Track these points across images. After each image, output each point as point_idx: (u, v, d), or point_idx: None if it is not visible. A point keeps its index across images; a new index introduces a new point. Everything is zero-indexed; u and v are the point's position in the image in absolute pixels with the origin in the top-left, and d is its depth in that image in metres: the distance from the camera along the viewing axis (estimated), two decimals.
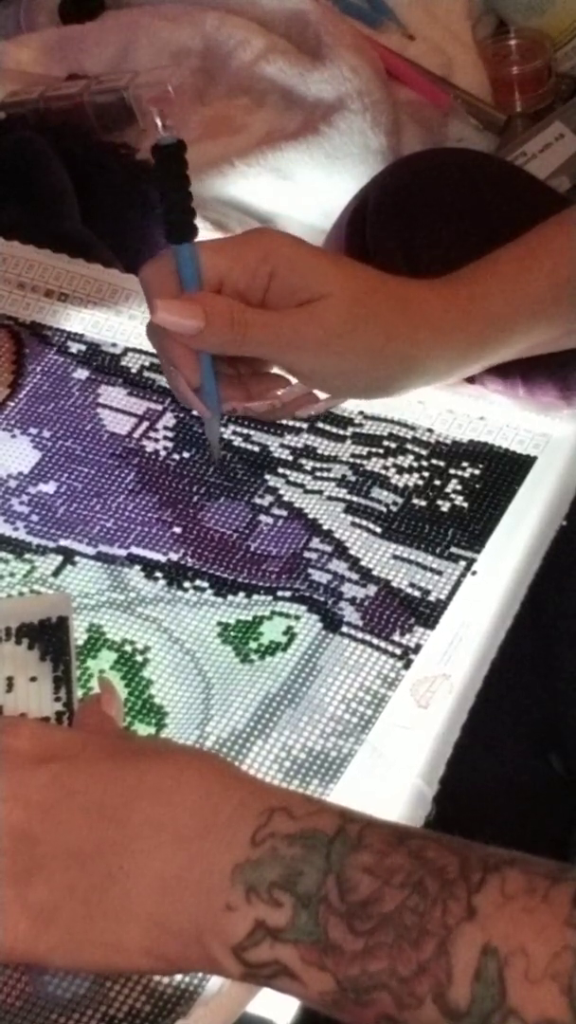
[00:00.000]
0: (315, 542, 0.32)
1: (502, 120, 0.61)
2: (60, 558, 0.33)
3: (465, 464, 0.34)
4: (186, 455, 0.35)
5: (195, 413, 0.35)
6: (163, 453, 0.35)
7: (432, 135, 0.58)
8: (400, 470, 0.34)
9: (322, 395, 0.33)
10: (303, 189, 0.53)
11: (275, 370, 0.32)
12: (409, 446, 0.34)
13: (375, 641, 0.30)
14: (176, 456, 0.35)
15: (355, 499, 0.33)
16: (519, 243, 0.32)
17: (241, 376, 0.32)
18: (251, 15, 0.58)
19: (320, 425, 0.35)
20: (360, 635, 0.30)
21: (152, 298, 0.29)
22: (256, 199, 0.53)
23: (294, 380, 0.32)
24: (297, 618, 0.31)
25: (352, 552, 0.32)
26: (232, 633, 0.31)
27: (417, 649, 0.30)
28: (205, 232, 0.34)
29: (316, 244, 0.33)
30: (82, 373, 0.37)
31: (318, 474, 0.34)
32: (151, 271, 0.30)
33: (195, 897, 0.22)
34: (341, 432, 0.35)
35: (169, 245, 0.29)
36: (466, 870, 0.21)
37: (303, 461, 0.34)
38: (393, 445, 0.34)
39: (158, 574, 0.32)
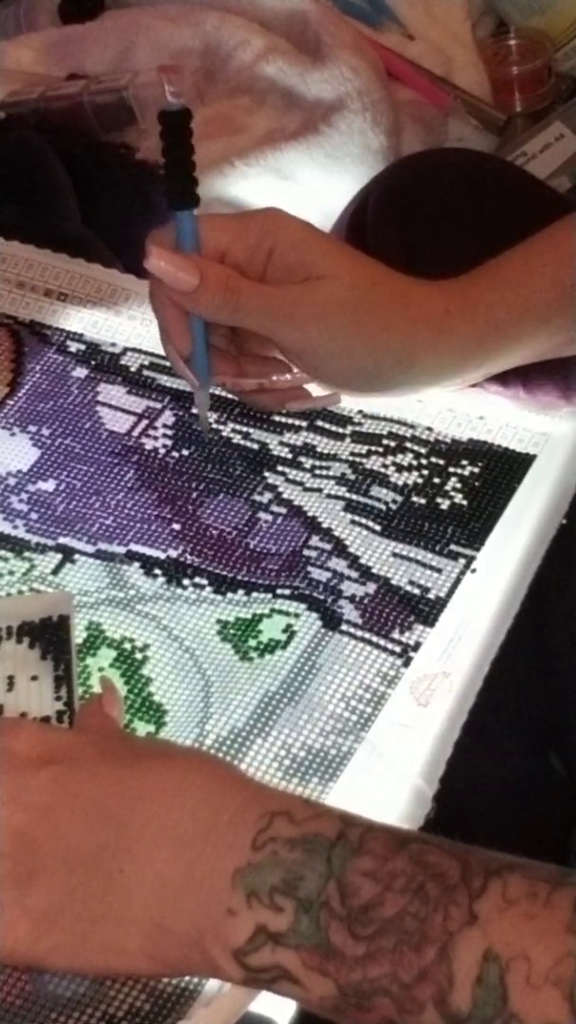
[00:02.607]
0: (314, 540, 0.32)
1: (502, 120, 0.60)
2: (59, 556, 0.33)
3: (464, 462, 0.34)
4: (185, 452, 0.35)
5: (193, 411, 0.35)
6: (162, 451, 0.35)
7: (432, 135, 0.58)
8: (399, 468, 0.34)
9: (315, 392, 0.32)
10: (303, 189, 0.53)
11: (277, 356, 0.32)
12: (408, 444, 0.34)
13: (375, 639, 0.30)
14: (175, 454, 0.35)
15: (354, 497, 0.33)
16: (522, 248, 0.32)
17: (238, 356, 0.32)
18: (251, 15, 0.58)
19: (319, 423, 0.35)
20: (360, 633, 0.30)
21: (150, 247, 0.29)
22: (256, 199, 0.53)
23: (293, 371, 0.32)
24: (296, 616, 0.31)
25: (351, 550, 0.32)
26: (231, 631, 0.31)
27: (417, 647, 0.30)
28: None
29: None
30: (81, 372, 0.37)
31: (317, 472, 0.34)
32: (154, 235, 0.30)
33: (196, 901, 0.22)
34: (340, 430, 0.35)
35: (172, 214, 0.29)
36: (467, 875, 0.21)
37: (302, 459, 0.34)
38: (392, 443, 0.34)
39: (157, 571, 0.32)
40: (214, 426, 0.35)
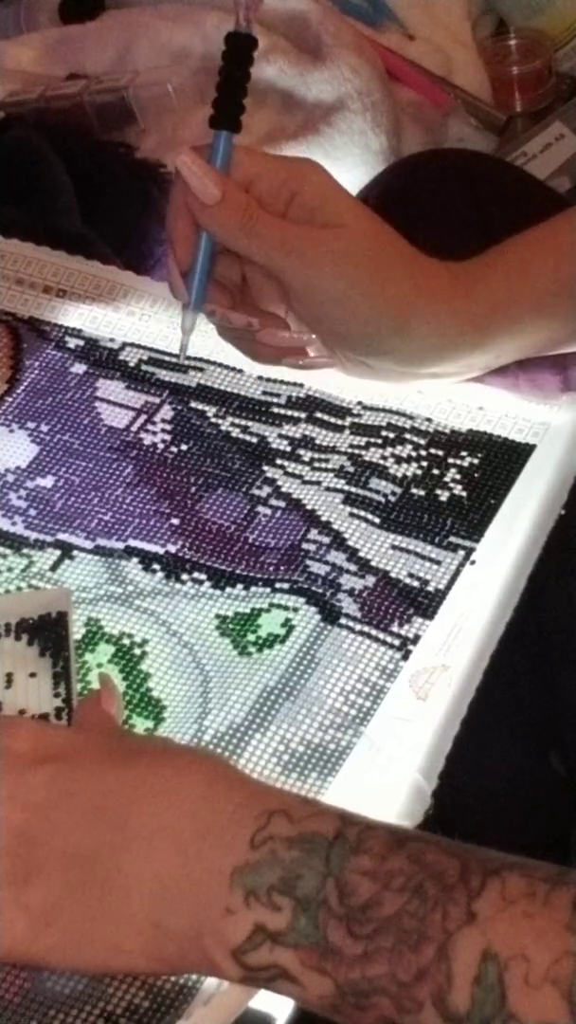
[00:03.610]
0: (313, 533, 0.32)
1: (502, 120, 0.61)
2: (58, 552, 0.33)
3: (464, 453, 0.34)
4: (184, 447, 0.35)
5: (192, 404, 0.35)
6: (161, 446, 0.35)
7: (432, 135, 0.58)
8: (399, 460, 0.34)
9: (313, 353, 0.32)
10: None
11: (278, 312, 0.32)
12: (408, 436, 0.34)
13: (373, 632, 0.30)
14: (174, 448, 0.35)
15: (353, 490, 0.33)
16: (524, 236, 0.33)
17: (238, 300, 0.32)
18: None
19: (318, 415, 0.35)
20: (358, 626, 0.30)
21: (183, 148, 0.30)
22: None
23: (289, 331, 0.32)
24: (295, 610, 0.31)
25: (350, 543, 0.32)
26: (230, 625, 0.31)
27: (416, 640, 0.30)
28: None
29: None
30: (80, 367, 0.37)
31: (316, 465, 0.34)
32: (191, 149, 0.31)
33: (194, 900, 0.22)
34: (339, 422, 0.35)
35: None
36: (466, 874, 0.21)
37: (301, 452, 0.34)
38: (391, 435, 0.34)
39: (156, 566, 0.32)
40: (212, 420, 0.35)
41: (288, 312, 0.32)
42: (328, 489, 0.33)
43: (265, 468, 0.34)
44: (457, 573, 0.31)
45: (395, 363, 0.32)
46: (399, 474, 0.33)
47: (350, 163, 0.54)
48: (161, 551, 0.32)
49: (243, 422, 0.35)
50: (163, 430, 0.35)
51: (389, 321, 0.31)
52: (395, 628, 0.30)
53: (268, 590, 0.31)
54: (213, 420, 0.35)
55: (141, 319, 0.37)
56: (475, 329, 0.32)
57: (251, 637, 0.30)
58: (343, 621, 0.30)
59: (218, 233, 0.30)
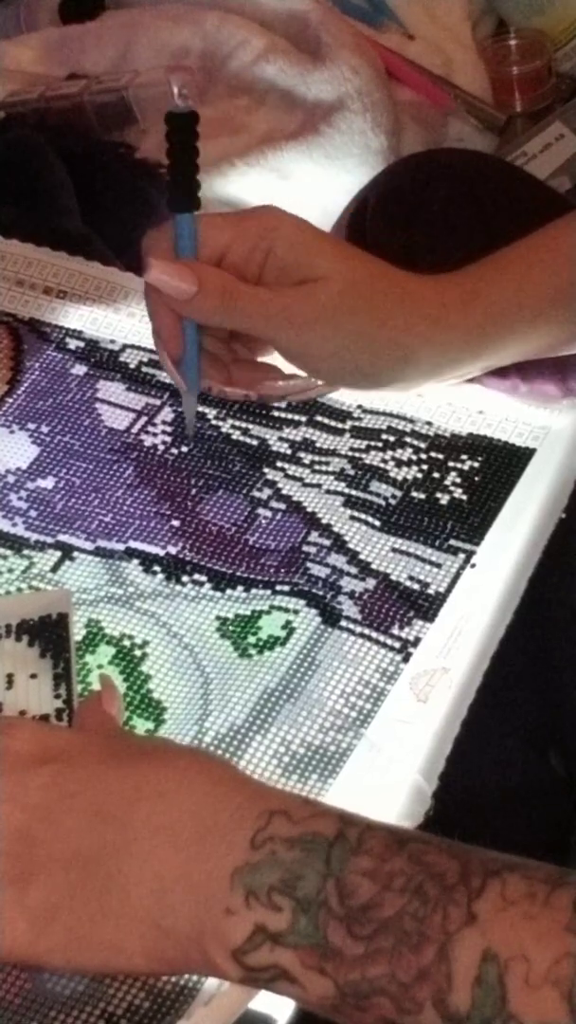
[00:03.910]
0: (314, 536, 0.32)
1: (502, 120, 0.61)
2: (59, 554, 0.33)
3: (464, 457, 0.34)
4: (184, 449, 0.35)
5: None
6: (161, 447, 0.35)
7: (432, 135, 0.59)
8: (399, 463, 0.34)
9: (316, 385, 0.33)
10: (303, 189, 0.54)
11: (266, 360, 0.32)
12: (408, 439, 0.34)
13: (374, 635, 0.30)
14: (174, 450, 0.35)
15: (354, 492, 0.33)
16: (524, 243, 0.33)
17: (229, 364, 0.32)
18: (251, 15, 0.59)
19: (319, 419, 0.35)
20: (359, 629, 0.30)
21: (148, 258, 0.30)
22: (256, 199, 0.53)
23: (283, 377, 0.32)
24: (296, 612, 0.31)
25: (351, 545, 0.32)
26: (230, 627, 0.31)
27: (416, 642, 0.30)
28: None
29: None
30: (80, 369, 0.37)
31: (317, 468, 0.34)
32: (152, 237, 0.30)
33: (194, 900, 0.22)
34: (340, 425, 0.35)
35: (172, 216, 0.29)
36: (466, 875, 0.21)
37: (302, 455, 0.34)
38: (392, 438, 0.34)
39: (156, 568, 0.32)
40: (213, 422, 0.35)
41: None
42: (328, 492, 0.33)
43: (266, 470, 0.34)
44: (457, 576, 0.31)
45: (399, 387, 0.32)
46: (399, 477, 0.33)
47: (350, 163, 0.54)
48: (162, 553, 0.33)
49: (244, 424, 0.35)
50: (164, 432, 0.35)
51: (389, 359, 0.31)
52: (395, 631, 0.30)
53: (268, 592, 0.31)
54: (214, 422, 0.35)
55: (142, 320, 0.37)
56: (475, 342, 0.32)
57: (251, 639, 0.30)
58: (343, 623, 0.31)
59: (201, 319, 0.30)
